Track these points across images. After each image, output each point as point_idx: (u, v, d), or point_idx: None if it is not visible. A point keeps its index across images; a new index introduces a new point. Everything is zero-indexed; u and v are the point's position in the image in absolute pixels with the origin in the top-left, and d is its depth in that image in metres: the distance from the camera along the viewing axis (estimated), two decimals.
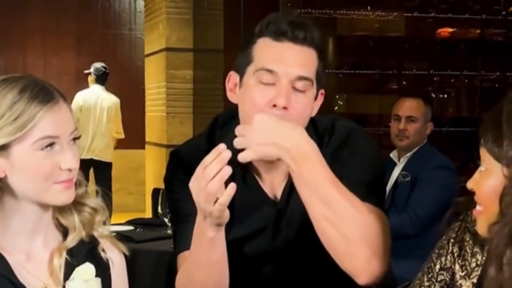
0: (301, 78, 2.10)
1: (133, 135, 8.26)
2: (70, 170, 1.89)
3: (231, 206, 2.11)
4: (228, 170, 1.83)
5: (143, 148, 7.67)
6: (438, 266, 1.96)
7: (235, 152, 2.11)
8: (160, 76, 6.91)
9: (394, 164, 4.62)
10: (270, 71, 2.10)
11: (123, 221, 4.59)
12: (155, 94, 7.11)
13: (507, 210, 1.68)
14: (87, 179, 9.28)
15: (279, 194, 2.22)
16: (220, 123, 2.31)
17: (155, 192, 4.86)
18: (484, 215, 1.77)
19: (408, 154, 4.62)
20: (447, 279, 1.94)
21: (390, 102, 7.14)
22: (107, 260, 2.05)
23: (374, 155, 2.27)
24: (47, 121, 1.88)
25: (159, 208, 4.07)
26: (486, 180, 1.76)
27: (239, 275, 2.18)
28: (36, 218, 1.98)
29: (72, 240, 2.01)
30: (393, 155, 4.69)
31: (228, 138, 2.14)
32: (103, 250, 2.04)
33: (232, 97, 2.21)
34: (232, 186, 1.86)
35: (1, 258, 1.94)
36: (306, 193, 1.99)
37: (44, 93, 1.91)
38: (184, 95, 6.71)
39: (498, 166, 1.72)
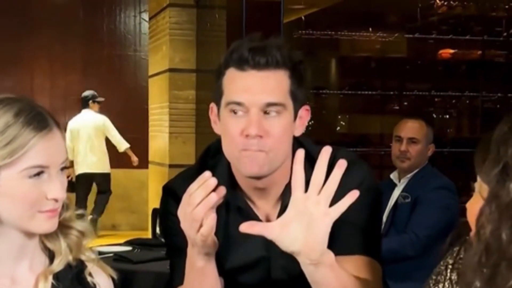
0: (271, 104, 2.08)
1: (136, 154, 8.30)
2: (56, 200, 1.88)
3: (227, 235, 2.14)
4: (213, 197, 1.84)
5: (147, 167, 7.69)
6: None
7: (228, 182, 2.12)
8: (163, 97, 6.94)
9: (394, 185, 4.60)
10: (238, 103, 2.07)
11: (126, 239, 4.61)
12: (158, 114, 7.13)
13: (483, 231, 1.61)
14: (88, 192, 9.26)
15: (271, 220, 2.14)
16: (212, 152, 2.29)
17: (154, 212, 4.88)
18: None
19: (409, 175, 4.59)
20: None
21: (391, 122, 7.17)
22: (94, 284, 2.04)
23: (374, 191, 2.24)
24: (38, 149, 1.85)
25: (157, 228, 4.06)
26: (475, 203, 1.71)
27: None
28: (21, 243, 1.96)
29: (58, 264, 1.99)
30: (394, 176, 4.66)
31: (219, 167, 2.17)
32: (90, 275, 2.03)
33: (216, 128, 2.19)
34: (213, 217, 1.86)
35: None
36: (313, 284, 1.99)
37: (38, 119, 1.88)
38: (186, 115, 6.73)
39: (484, 188, 1.68)
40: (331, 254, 1.92)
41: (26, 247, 1.96)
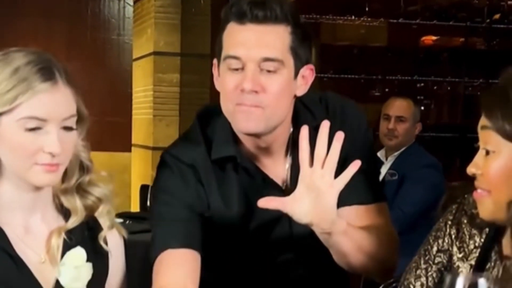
0: (267, 59, 2.06)
1: (119, 138, 8.30)
2: (52, 155, 1.90)
3: (243, 195, 2.17)
4: None
5: (129, 151, 7.70)
6: (435, 248, 1.94)
7: (232, 143, 2.16)
8: (147, 80, 6.95)
9: (381, 163, 4.66)
10: (235, 57, 2.07)
11: None
12: (143, 97, 7.15)
13: None
14: None
15: (282, 178, 2.21)
16: (210, 112, 2.25)
17: (144, 188, 5.03)
18: (491, 198, 1.74)
19: (396, 153, 4.67)
20: (444, 261, 1.92)
21: (374, 109, 7.23)
22: (106, 245, 2.06)
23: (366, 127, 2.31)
24: (37, 101, 1.87)
25: (148, 202, 4.15)
26: (494, 162, 1.72)
27: (260, 263, 2.22)
28: (32, 196, 1.98)
29: (72, 223, 2.02)
30: (381, 154, 4.73)
31: (221, 129, 2.18)
32: (104, 239, 2.04)
33: (216, 84, 2.19)
34: None
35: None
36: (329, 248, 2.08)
37: (44, 72, 1.88)
38: (171, 98, 6.74)
39: (509, 145, 1.69)
40: (342, 222, 2.01)
41: (37, 200, 1.99)
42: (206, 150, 2.17)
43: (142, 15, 7.29)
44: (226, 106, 2.12)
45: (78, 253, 1.89)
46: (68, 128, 1.91)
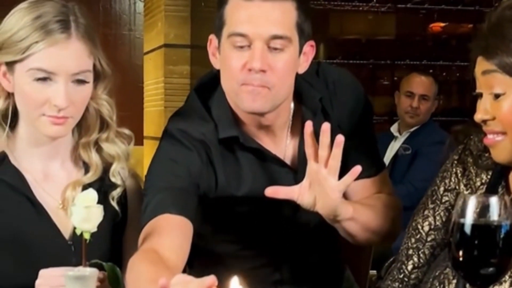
0: (276, 37, 2.03)
1: (131, 132, 8.34)
2: (58, 107, 1.94)
3: (252, 179, 2.19)
4: None
5: (141, 144, 7.74)
6: (442, 188, 1.96)
7: (233, 122, 2.15)
8: (158, 72, 6.99)
9: (392, 137, 4.65)
10: (242, 35, 2.03)
11: None
12: (154, 89, 7.19)
13: None
14: None
15: (287, 154, 2.23)
16: (207, 89, 2.23)
17: None
18: (508, 139, 1.74)
19: (411, 129, 4.65)
20: (451, 200, 1.94)
21: (383, 102, 7.23)
22: (118, 206, 2.11)
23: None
24: (46, 53, 1.92)
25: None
26: (505, 102, 1.72)
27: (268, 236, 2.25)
28: (49, 143, 2.03)
29: (89, 177, 2.07)
30: (394, 128, 4.71)
31: (220, 106, 2.18)
32: (116, 197, 2.12)
33: (214, 62, 2.16)
34: None
35: (20, 176, 2.00)
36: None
37: (59, 26, 1.93)
38: (181, 89, 6.77)
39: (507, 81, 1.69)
40: (348, 209, 2.06)
41: (55, 149, 2.04)
42: (214, 128, 2.16)
43: (152, 9, 7.34)
44: (230, 85, 2.09)
45: (90, 194, 1.91)
46: (80, 81, 1.94)
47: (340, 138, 1.92)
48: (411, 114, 4.66)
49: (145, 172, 7.21)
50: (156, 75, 7.04)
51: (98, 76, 2.00)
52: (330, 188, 1.94)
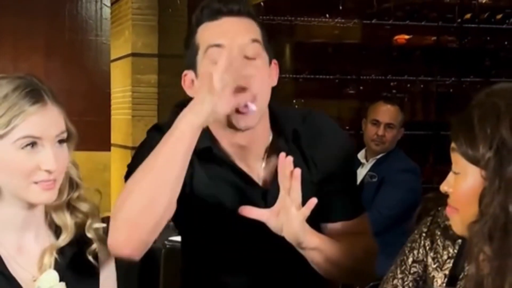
0: (254, 40, 2.13)
1: (98, 137, 8.34)
2: (49, 172, 1.99)
3: (224, 188, 2.23)
4: None
5: (108, 150, 7.76)
6: (411, 259, 2.00)
7: (212, 149, 2.20)
8: (126, 81, 7.01)
9: (360, 164, 4.70)
10: (218, 45, 2.10)
11: None
12: (121, 98, 7.20)
13: (487, 210, 1.70)
14: None
15: (257, 174, 2.26)
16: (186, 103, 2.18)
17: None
18: (459, 216, 1.80)
19: (378, 156, 4.70)
20: (419, 271, 1.98)
21: (348, 106, 7.31)
22: (96, 261, 2.10)
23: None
24: (31, 121, 1.95)
25: None
26: (462, 183, 1.77)
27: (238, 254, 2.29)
28: (25, 215, 2.04)
29: (63, 240, 2.08)
30: (361, 155, 4.75)
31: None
32: (92, 253, 2.08)
33: (191, 93, 2.19)
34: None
35: None
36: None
37: (33, 95, 1.96)
38: (149, 98, 6.80)
39: (473, 168, 1.73)
40: (313, 240, 2.13)
41: (30, 218, 2.05)
42: None
43: (119, 17, 7.34)
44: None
45: (51, 274, 1.95)
46: (61, 142, 1.99)
47: (296, 172, 2.02)
48: (376, 142, 4.70)
49: (112, 176, 7.22)
50: (124, 83, 7.06)
51: (68, 136, 2.05)
52: (292, 216, 2.05)
